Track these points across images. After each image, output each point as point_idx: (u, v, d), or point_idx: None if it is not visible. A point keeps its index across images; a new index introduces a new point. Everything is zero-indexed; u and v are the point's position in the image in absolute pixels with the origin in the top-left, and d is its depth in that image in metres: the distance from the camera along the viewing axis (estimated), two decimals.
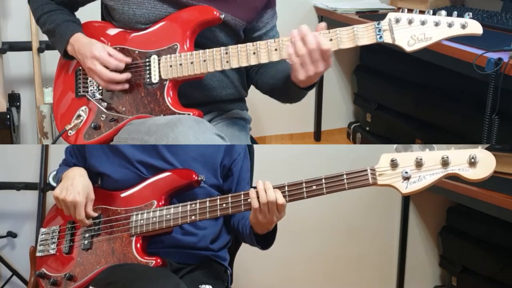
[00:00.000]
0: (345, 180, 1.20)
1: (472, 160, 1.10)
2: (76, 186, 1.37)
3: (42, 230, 1.52)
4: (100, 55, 1.42)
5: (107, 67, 1.42)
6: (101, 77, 1.43)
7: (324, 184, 1.21)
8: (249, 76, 1.64)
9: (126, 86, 1.45)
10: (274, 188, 1.25)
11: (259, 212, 1.25)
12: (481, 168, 1.10)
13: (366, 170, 1.18)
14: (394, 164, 1.16)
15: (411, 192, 1.15)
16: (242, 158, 1.50)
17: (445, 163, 1.12)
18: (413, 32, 1.27)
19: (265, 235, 1.34)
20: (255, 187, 1.27)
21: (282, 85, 1.45)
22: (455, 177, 1.14)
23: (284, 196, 1.24)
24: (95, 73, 1.43)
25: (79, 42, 1.46)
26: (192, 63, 1.40)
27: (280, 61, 1.37)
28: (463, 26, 1.25)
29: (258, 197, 1.25)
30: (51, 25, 1.52)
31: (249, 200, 1.27)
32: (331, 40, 1.31)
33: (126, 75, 1.44)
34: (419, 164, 1.14)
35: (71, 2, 1.58)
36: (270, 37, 1.57)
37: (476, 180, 1.11)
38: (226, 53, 1.38)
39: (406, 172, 1.14)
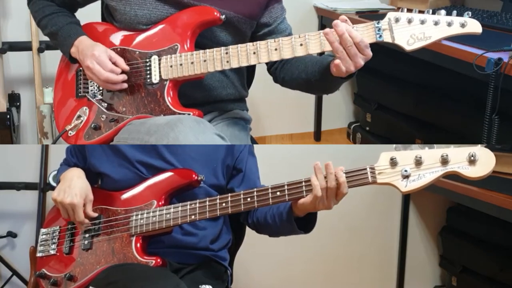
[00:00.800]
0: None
1: (472, 158, 1.10)
2: (74, 188, 1.37)
3: (43, 230, 1.52)
4: (98, 54, 1.42)
5: (103, 68, 1.42)
6: (98, 76, 1.43)
7: None
8: (272, 75, 1.62)
9: (124, 86, 1.45)
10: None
11: (319, 200, 1.20)
12: (480, 166, 1.10)
13: (365, 169, 1.18)
14: (393, 163, 1.16)
15: (410, 190, 1.15)
16: (246, 154, 1.49)
17: (444, 161, 1.12)
18: (413, 31, 1.27)
19: (306, 217, 1.30)
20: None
21: (319, 78, 1.44)
22: (455, 177, 1.14)
23: (284, 195, 1.24)
24: (92, 71, 1.43)
25: (83, 44, 1.46)
26: (192, 63, 1.40)
27: (305, 56, 1.37)
28: (463, 25, 1.25)
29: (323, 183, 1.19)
30: (53, 27, 1.52)
31: (249, 199, 1.27)
32: None
33: (122, 77, 1.44)
34: (418, 162, 1.14)
35: (71, 3, 1.58)
36: (282, 29, 1.56)
37: (475, 178, 1.11)
38: (226, 53, 1.38)
39: (406, 171, 1.14)
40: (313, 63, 1.46)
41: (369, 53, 1.30)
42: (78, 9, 1.63)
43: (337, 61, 1.30)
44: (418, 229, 2.67)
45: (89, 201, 1.39)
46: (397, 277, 2.67)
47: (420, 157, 1.13)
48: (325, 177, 1.19)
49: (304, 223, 1.31)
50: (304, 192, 1.22)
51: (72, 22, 1.53)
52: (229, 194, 1.30)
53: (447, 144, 1.15)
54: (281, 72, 1.57)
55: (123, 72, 1.45)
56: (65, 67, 1.60)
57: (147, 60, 1.45)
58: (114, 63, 1.44)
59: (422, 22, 1.26)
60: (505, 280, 2.20)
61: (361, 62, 1.30)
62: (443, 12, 1.27)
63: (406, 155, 1.15)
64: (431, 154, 1.14)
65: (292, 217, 1.29)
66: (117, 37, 1.50)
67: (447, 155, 1.12)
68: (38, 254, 1.49)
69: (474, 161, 1.10)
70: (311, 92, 1.58)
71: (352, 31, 1.28)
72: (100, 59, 1.42)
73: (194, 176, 1.37)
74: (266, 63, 1.49)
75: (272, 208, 1.36)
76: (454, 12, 1.26)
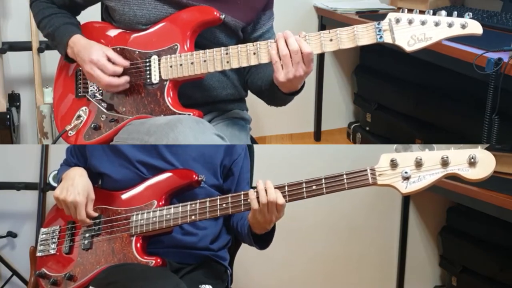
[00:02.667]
0: (345, 180, 1.20)
1: (472, 160, 1.10)
2: (76, 186, 1.37)
3: (43, 230, 1.52)
4: (97, 59, 1.41)
5: (104, 72, 1.42)
6: (99, 82, 1.43)
7: (324, 184, 1.21)
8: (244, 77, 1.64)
9: (127, 86, 1.45)
10: (274, 188, 1.25)
11: (258, 213, 1.25)
12: (480, 168, 1.10)
13: (366, 170, 1.19)
14: (394, 164, 1.16)
15: (411, 192, 1.15)
16: (242, 158, 1.50)
17: (444, 163, 1.12)
18: (413, 32, 1.27)
19: (263, 235, 1.34)
20: (254, 187, 1.27)
21: (269, 87, 1.47)
22: (455, 177, 1.14)
23: (284, 196, 1.24)
24: (93, 78, 1.43)
25: (78, 44, 1.45)
26: (192, 63, 1.40)
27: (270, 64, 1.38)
28: (463, 26, 1.25)
29: (258, 198, 1.24)
30: (50, 28, 1.52)
31: (249, 200, 1.27)
32: (331, 40, 1.32)
33: (125, 79, 1.44)
34: (418, 164, 1.14)
35: (73, 5, 1.58)
36: (266, 39, 1.56)
37: (475, 180, 1.11)
38: (227, 53, 1.38)
39: (406, 172, 1.14)
40: (270, 72, 1.46)
41: (311, 67, 1.32)
42: (80, 11, 1.62)
43: (275, 65, 1.31)
44: (418, 229, 2.67)
45: (91, 200, 1.39)
46: (397, 277, 2.67)
47: (421, 159, 1.14)
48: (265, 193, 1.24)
49: (261, 239, 1.37)
50: (305, 193, 1.23)
51: (69, 23, 1.52)
52: (230, 195, 1.30)
53: (447, 144, 1.16)
54: (248, 74, 1.59)
55: (124, 70, 1.44)
56: (65, 67, 1.60)
57: (147, 60, 1.45)
58: (113, 63, 1.43)
59: (423, 23, 1.26)
60: (505, 280, 2.20)
61: (301, 72, 1.31)
62: (443, 13, 1.26)
63: (406, 156, 1.16)
64: (432, 156, 1.14)
65: (249, 232, 1.36)
66: (116, 37, 1.50)
67: (447, 157, 1.12)
68: (38, 254, 1.49)
69: (474, 163, 1.10)
70: (264, 101, 1.60)
71: (302, 41, 1.30)
72: (100, 63, 1.41)
73: (194, 176, 1.38)
74: None
75: (242, 217, 1.42)
76: (455, 13, 1.26)
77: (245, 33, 1.55)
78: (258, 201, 1.24)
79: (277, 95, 1.44)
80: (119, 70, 1.43)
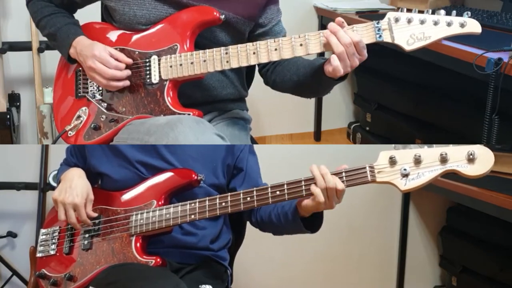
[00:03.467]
0: (344, 177, 1.20)
1: (471, 156, 1.10)
2: (75, 187, 1.37)
3: (43, 231, 1.52)
4: (100, 54, 1.41)
5: (107, 67, 1.42)
6: (102, 74, 1.42)
7: None
8: (262, 77, 1.62)
9: (128, 83, 1.45)
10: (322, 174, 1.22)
11: (324, 199, 1.21)
12: (479, 165, 1.10)
13: (364, 168, 1.19)
14: (392, 161, 1.16)
15: (410, 189, 1.15)
16: (246, 153, 1.49)
17: (443, 159, 1.12)
18: (412, 31, 1.27)
19: (311, 217, 1.30)
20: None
21: (312, 79, 1.44)
22: (455, 177, 1.14)
23: (283, 194, 1.24)
24: (96, 71, 1.42)
25: (82, 44, 1.46)
26: (192, 63, 1.40)
27: (297, 58, 1.37)
28: (462, 25, 1.25)
29: (315, 183, 1.21)
30: (52, 28, 1.52)
31: (248, 199, 1.27)
32: None
33: (127, 72, 1.44)
34: (417, 161, 1.14)
35: (70, 4, 1.58)
36: (276, 31, 1.56)
37: (474, 177, 1.11)
38: (226, 53, 1.38)
39: (405, 169, 1.15)
40: (305, 65, 1.46)
41: (365, 54, 1.30)
42: (77, 10, 1.62)
43: (335, 62, 1.29)
44: (418, 229, 2.67)
45: (90, 201, 1.39)
46: (397, 277, 2.67)
47: (419, 156, 1.14)
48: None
49: (310, 222, 1.31)
50: (304, 191, 1.23)
51: (71, 23, 1.53)
52: (229, 194, 1.30)
53: (447, 144, 1.16)
54: (273, 74, 1.57)
55: (126, 67, 1.44)
56: (64, 67, 1.60)
57: (147, 60, 1.45)
58: (116, 60, 1.43)
59: (422, 22, 1.26)
60: (505, 280, 2.20)
61: (357, 62, 1.30)
62: (442, 12, 1.27)
63: (405, 153, 1.16)
64: (430, 152, 1.14)
65: (298, 217, 1.30)
66: (116, 37, 1.50)
67: (446, 154, 1.12)
68: (38, 255, 1.49)
69: (473, 159, 1.10)
70: (302, 95, 1.57)
71: (349, 31, 1.29)
72: (102, 58, 1.41)
73: (193, 176, 1.38)
74: (258, 64, 1.49)
75: (276, 207, 1.37)
76: (454, 12, 1.26)
77: (253, 29, 1.54)
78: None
79: (325, 84, 1.42)
80: (121, 65, 1.43)
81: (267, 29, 1.56)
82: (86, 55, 1.43)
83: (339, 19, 1.31)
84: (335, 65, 1.30)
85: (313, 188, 1.21)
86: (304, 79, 1.46)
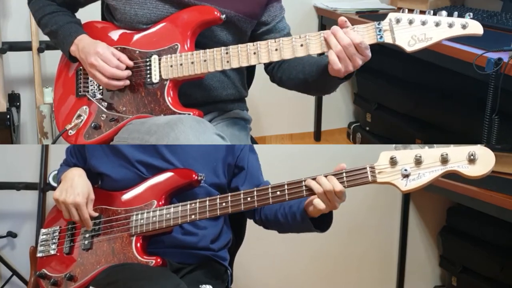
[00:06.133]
0: (344, 178, 1.20)
1: (471, 157, 1.10)
2: (76, 187, 1.37)
3: (43, 231, 1.52)
4: (103, 51, 1.42)
5: (108, 65, 1.42)
6: (103, 72, 1.42)
7: None
8: (268, 74, 1.62)
9: (127, 82, 1.45)
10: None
11: (325, 199, 1.21)
12: (480, 165, 1.10)
13: (365, 168, 1.19)
14: (393, 162, 1.16)
15: (410, 189, 1.15)
16: (247, 152, 1.49)
17: (444, 160, 1.12)
18: (414, 32, 1.27)
19: (321, 217, 1.30)
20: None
21: (317, 78, 1.44)
22: (455, 177, 1.14)
23: (284, 194, 1.24)
24: (97, 68, 1.42)
25: (83, 42, 1.46)
26: (192, 63, 1.40)
27: (304, 56, 1.36)
28: (464, 27, 1.25)
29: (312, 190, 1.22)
30: (53, 26, 1.52)
31: (249, 199, 1.27)
32: None
33: (127, 72, 1.44)
34: (418, 161, 1.14)
35: (72, 3, 1.58)
36: (280, 28, 1.56)
37: (475, 177, 1.11)
38: (227, 53, 1.38)
39: (406, 170, 1.14)
40: (311, 64, 1.46)
41: (368, 54, 1.30)
42: (78, 9, 1.63)
43: (333, 60, 1.29)
44: (418, 229, 2.67)
45: (90, 201, 1.39)
46: (397, 277, 2.67)
47: (420, 156, 1.14)
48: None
49: (319, 222, 1.31)
50: (304, 191, 1.23)
51: (73, 21, 1.53)
52: (229, 194, 1.30)
53: (447, 144, 1.16)
54: (278, 71, 1.57)
55: (127, 68, 1.44)
56: (65, 67, 1.60)
57: (147, 59, 1.45)
58: (118, 59, 1.43)
59: (423, 23, 1.26)
60: (505, 280, 2.20)
61: (360, 62, 1.30)
62: (444, 13, 1.26)
63: (406, 154, 1.16)
64: (431, 153, 1.14)
65: (307, 218, 1.30)
66: (117, 36, 1.50)
67: (447, 154, 1.12)
68: (39, 255, 1.49)
69: (474, 160, 1.10)
70: (308, 93, 1.58)
71: (350, 32, 1.28)
72: (104, 56, 1.41)
73: (194, 175, 1.37)
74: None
75: (283, 206, 1.37)
76: (456, 13, 1.26)
77: (257, 27, 1.55)
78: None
79: (331, 83, 1.42)
80: (122, 65, 1.43)
81: (271, 27, 1.56)
82: (88, 52, 1.43)
83: (342, 18, 1.30)
84: (332, 63, 1.29)
85: (312, 197, 1.22)
86: (310, 78, 1.46)
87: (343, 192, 1.21)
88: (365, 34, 1.29)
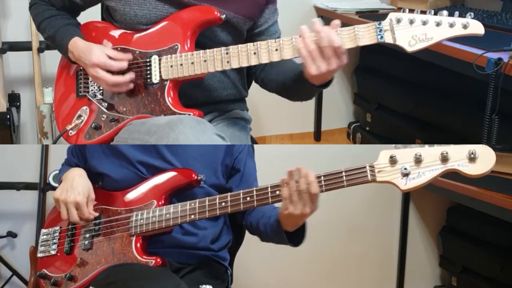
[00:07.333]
0: (344, 177, 1.19)
1: (472, 155, 1.10)
2: (76, 187, 1.38)
3: (43, 231, 1.52)
4: (100, 61, 1.41)
5: (110, 71, 1.42)
6: (106, 82, 1.42)
7: (323, 182, 1.20)
8: (253, 75, 1.63)
9: (131, 86, 1.45)
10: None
11: (289, 203, 1.20)
12: (480, 164, 1.10)
13: (365, 167, 1.18)
14: (393, 161, 1.15)
15: (410, 188, 1.14)
16: (245, 154, 1.49)
17: (444, 159, 1.12)
18: (414, 32, 1.27)
19: (295, 232, 1.30)
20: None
21: (293, 82, 1.44)
22: (455, 177, 1.14)
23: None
24: (99, 79, 1.43)
25: (77, 49, 1.45)
26: (192, 63, 1.40)
27: (287, 60, 1.36)
28: (465, 26, 1.25)
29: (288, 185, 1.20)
30: (50, 31, 1.52)
31: (248, 198, 1.27)
32: None
33: (130, 76, 1.44)
34: (418, 160, 1.14)
35: (73, 7, 1.57)
36: (272, 32, 1.56)
37: (476, 176, 1.10)
38: (227, 53, 1.38)
39: (405, 169, 1.14)
40: (291, 67, 1.45)
41: (345, 59, 1.28)
42: (80, 12, 1.62)
43: (305, 60, 1.27)
44: (418, 229, 2.67)
45: (91, 200, 1.39)
46: (397, 277, 2.67)
47: (420, 155, 1.13)
48: (297, 181, 1.19)
49: (293, 237, 1.31)
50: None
51: (69, 24, 1.52)
52: (229, 194, 1.30)
53: (447, 144, 1.15)
54: (262, 72, 1.57)
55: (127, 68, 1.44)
56: (65, 67, 1.60)
57: (148, 60, 1.45)
58: (115, 60, 1.43)
59: (424, 23, 1.26)
60: (505, 280, 2.20)
61: (335, 66, 1.27)
62: (445, 12, 1.26)
63: (405, 153, 1.15)
64: (431, 152, 1.13)
65: (281, 230, 1.30)
66: (117, 36, 1.50)
67: (447, 153, 1.12)
68: (39, 255, 1.49)
69: (474, 158, 1.10)
70: (286, 97, 1.56)
71: (332, 34, 1.26)
72: (103, 64, 1.41)
73: (194, 176, 1.37)
74: None
75: (264, 215, 1.38)
76: (456, 13, 1.26)
77: (250, 28, 1.55)
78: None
79: (306, 88, 1.40)
80: (124, 65, 1.43)
81: (263, 29, 1.56)
82: (86, 64, 1.43)
83: (334, 22, 1.29)
84: (306, 63, 1.28)
85: (281, 182, 1.21)
86: (288, 81, 1.46)
87: (317, 196, 1.18)
88: (365, 34, 1.29)
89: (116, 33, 1.50)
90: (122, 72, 1.43)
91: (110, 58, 1.42)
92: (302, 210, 1.20)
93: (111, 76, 1.41)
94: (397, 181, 1.15)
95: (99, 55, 1.42)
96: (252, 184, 1.49)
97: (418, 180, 1.14)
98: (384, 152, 1.17)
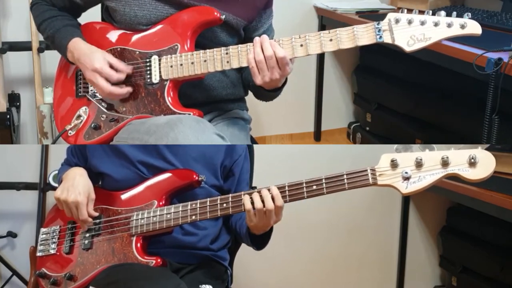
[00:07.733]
0: (345, 180, 1.20)
1: (472, 160, 1.10)
2: (77, 186, 1.38)
3: (43, 230, 1.52)
4: (101, 67, 1.41)
5: (108, 80, 1.42)
6: (102, 90, 1.43)
7: (324, 184, 1.21)
8: (244, 77, 1.65)
9: (126, 95, 1.46)
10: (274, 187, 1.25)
11: (253, 215, 1.26)
12: (481, 168, 1.11)
13: (366, 170, 1.19)
14: (394, 164, 1.16)
15: (411, 192, 1.15)
16: (243, 159, 1.50)
17: (445, 163, 1.13)
18: (413, 32, 1.27)
19: (260, 236, 1.35)
20: (255, 187, 1.27)
21: (252, 86, 1.53)
22: (455, 177, 1.14)
23: (284, 196, 1.24)
24: (96, 86, 1.44)
25: (79, 50, 1.45)
26: (192, 63, 1.40)
27: None
28: (462, 26, 1.25)
29: (252, 202, 1.25)
30: (50, 31, 1.52)
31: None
32: (330, 40, 1.32)
33: (127, 90, 1.44)
34: (419, 164, 1.14)
35: (73, 7, 1.57)
36: (268, 34, 1.57)
37: (475, 180, 1.11)
38: (227, 53, 1.38)
39: (406, 172, 1.15)
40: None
41: (288, 70, 1.35)
42: (81, 13, 1.62)
43: (252, 69, 1.34)
44: (418, 229, 2.67)
45: (91, 200, 1.39)
46: (397, 277, 2.67)
47: (421, 159, 1.14)
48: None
49: (259, 240, 1.37)
50: (305, 193, 1.23)
51: (69, 25, 1.52)
52: (230, 195, 1.30)
53: (447, 144, 1.16)
54: (244, 69, 1.60)
55: (127, 76, 1.45)
56: (65, 67, 1.60)
57: (147, 60, 1.45)
58: (116, 70, 1.43)
59: (422, 23, 1.27)
60: (505, 280, 2.20)
61: (277, 76, 1.34)
62: (443, 13, 1.27)
63: (406, 157, 1.16)
64: (432, 156, 1.14)
65: (247, 232, 1.37)
66: (116, 37, 1.50)
67: (447, 157, 1.12)
68: (38, 254, 1.49)
69: (475, 163, 1.11)
70: (255, 96, 1.63)
71: (276, 46, 1.32)
72: (104, 72, 1.41)
73: (194, 176, 1.38)
74: None
75: (241, 217, 1.42)
76: (454, 13, 1.26)
77: (246, 31, 1.56)
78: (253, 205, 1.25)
79: (261, 92, 1.49)
80: (123, 77, 1.43)
81: (259, 33, 1.56)
82: (85, 66, 1.43)
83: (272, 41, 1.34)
84: (252, 73, 1.35)
85: (244, 198, 1.26)
86: (251, 82, 1.50)
87: (282, 208, 1.24)
88: (364, 34, 1.30)
89: (116, 33, 1.51)
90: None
91: (111, 66, 1.43)
92: (267, 222, 1.27)
93: (109, 86, 1.42)
94: (398, 185, 1.16)
95: (101, 62, 1.42)
96: (243, 189, 1.50)
97: (419, 184, 1.15)
98: (385, 156, 1.18)
